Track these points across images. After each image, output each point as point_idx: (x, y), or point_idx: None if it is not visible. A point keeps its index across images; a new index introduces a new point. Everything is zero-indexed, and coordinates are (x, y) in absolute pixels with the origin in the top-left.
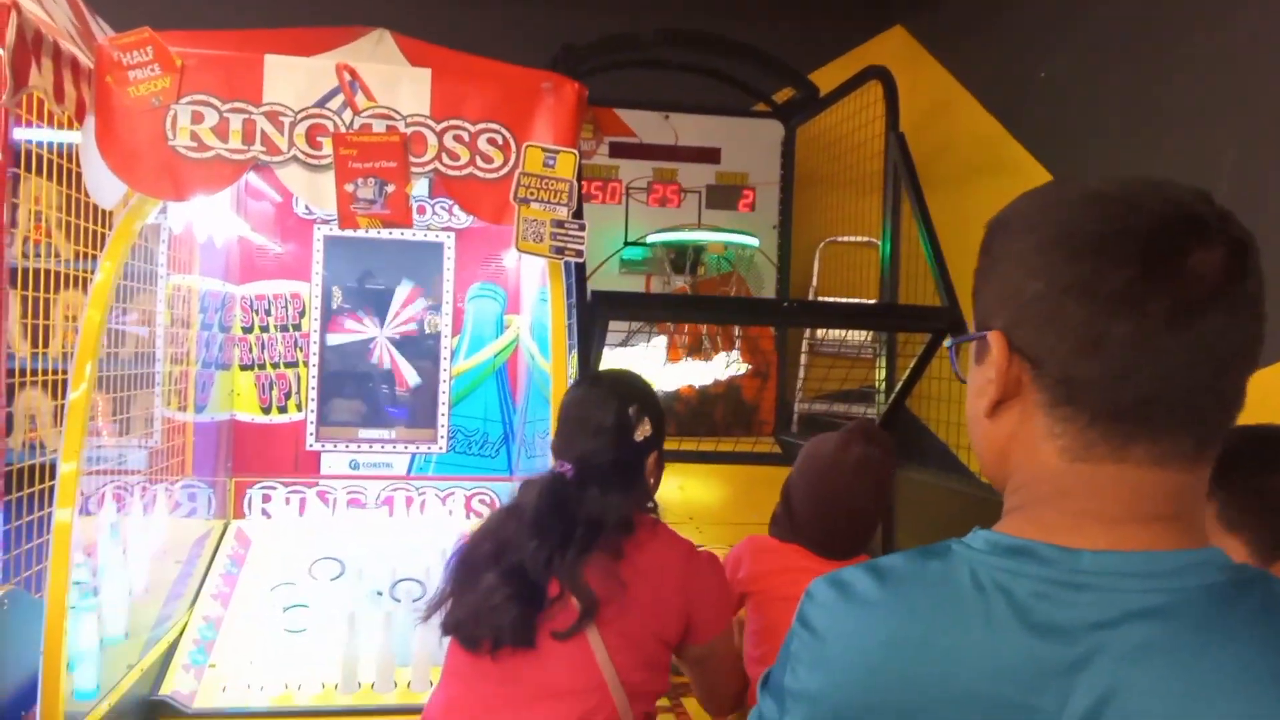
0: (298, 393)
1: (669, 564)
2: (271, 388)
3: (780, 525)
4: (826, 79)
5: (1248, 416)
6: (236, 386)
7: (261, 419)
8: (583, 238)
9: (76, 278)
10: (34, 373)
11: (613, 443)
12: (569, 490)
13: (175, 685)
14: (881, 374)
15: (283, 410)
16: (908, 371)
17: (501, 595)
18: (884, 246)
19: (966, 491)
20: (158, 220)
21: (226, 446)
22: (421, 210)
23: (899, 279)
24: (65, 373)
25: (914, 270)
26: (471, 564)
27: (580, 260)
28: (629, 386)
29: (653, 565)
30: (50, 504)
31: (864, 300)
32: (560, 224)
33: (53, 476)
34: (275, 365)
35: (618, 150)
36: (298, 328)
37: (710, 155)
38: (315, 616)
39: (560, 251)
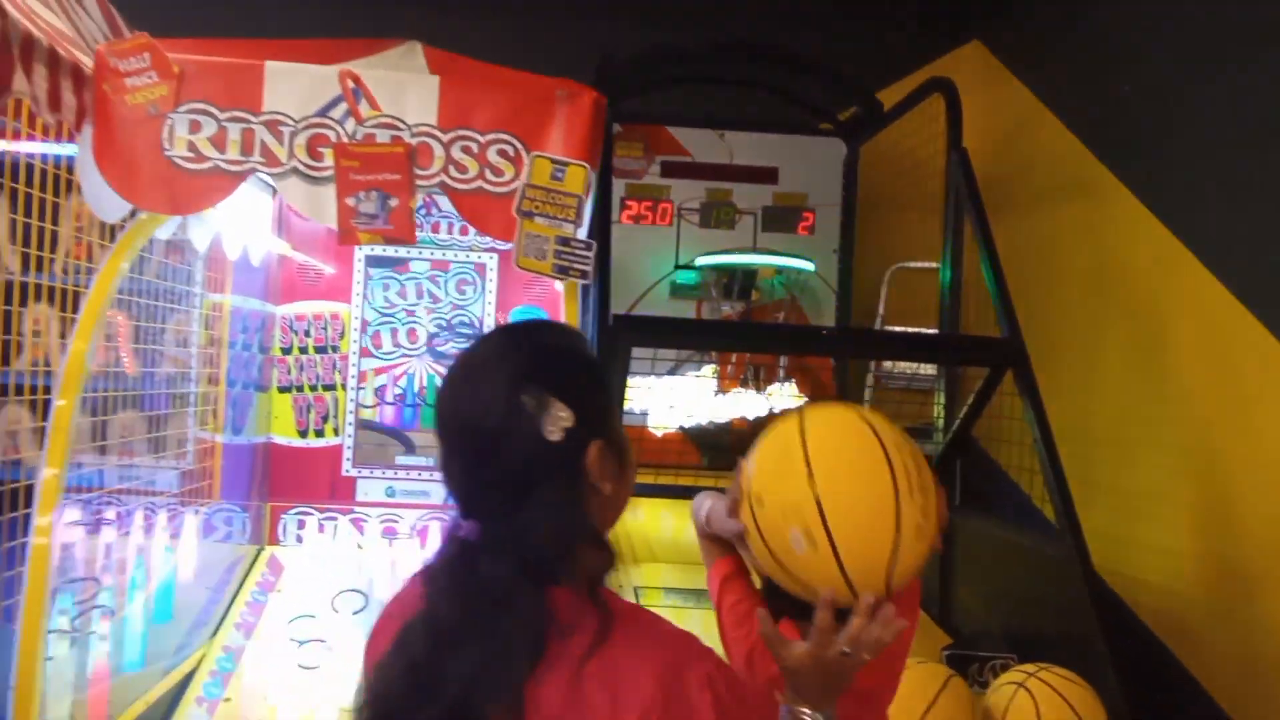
0: (335, 416)
1: (639, 680)
2: (309, 410)
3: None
4: (898, 97)
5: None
6: (275, 409)
7: (298, 442)
8: (589, 258)
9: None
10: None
11: (508, 461)
12: (479, 565)
13: (186, 718)
14: (940, 410)
15: (319, 434)
16: (964, 410)
17: None
18: (943, 272)
19: (1025, 544)
20: (184, 236)
21: (263, 470)
22: (465, 231)
23: (960, 307)
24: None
25: (982, 297)
26: (384, 703)
27: (587, 282)
28: (521, 347)
29: (618, 682)
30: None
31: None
32: (565, 241)
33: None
34: (313, 388)
35: (669, 170)
36: (336, 349)
37: (767, 175)
38: (331, 652)
39: (564, 271)
